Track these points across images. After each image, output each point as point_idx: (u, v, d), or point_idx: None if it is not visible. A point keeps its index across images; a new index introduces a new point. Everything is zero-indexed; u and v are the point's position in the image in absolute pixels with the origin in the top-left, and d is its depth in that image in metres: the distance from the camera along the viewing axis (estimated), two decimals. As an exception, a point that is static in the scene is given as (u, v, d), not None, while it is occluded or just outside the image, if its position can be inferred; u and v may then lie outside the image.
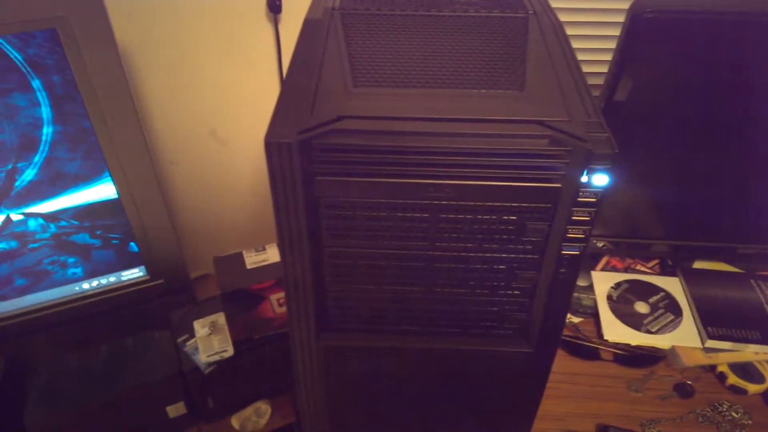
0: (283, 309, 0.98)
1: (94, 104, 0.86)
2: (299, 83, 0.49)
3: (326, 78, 0.50)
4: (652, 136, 0.91)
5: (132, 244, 1.00)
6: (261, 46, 1.05)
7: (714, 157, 0.92)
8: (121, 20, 0.97)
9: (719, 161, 0.93)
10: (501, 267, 0.52)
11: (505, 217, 0.49)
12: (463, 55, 0.53)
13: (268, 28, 1.03)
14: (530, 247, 0.51)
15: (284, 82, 0.50)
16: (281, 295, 0.97)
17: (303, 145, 0.44)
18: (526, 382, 0.59)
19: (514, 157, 0.46)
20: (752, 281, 1.04)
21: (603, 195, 0.47)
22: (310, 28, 0.56)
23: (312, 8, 0.61)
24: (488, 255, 0.51)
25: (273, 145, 0.44)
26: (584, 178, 0.47)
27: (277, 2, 0.99)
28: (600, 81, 0.98)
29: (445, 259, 0.51)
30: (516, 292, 0.54)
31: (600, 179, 0.47)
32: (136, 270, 1.03)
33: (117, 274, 1.02)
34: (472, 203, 0.48)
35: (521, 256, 0.52)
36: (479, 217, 0.49)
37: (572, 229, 0.49)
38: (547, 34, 0.57)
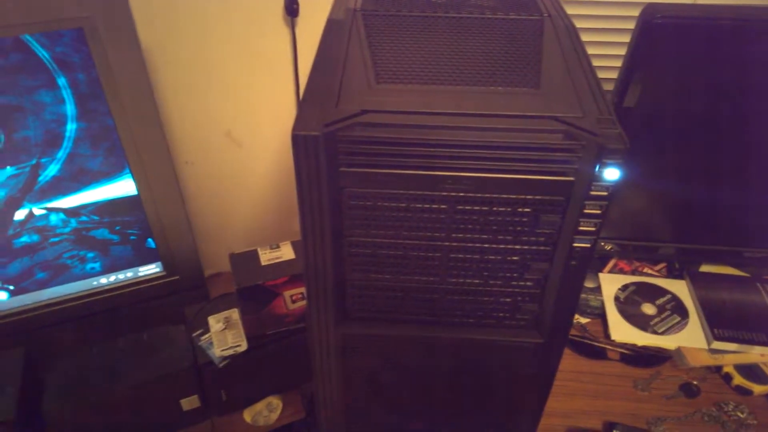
0: (297, 305, 1.00)
1: (117, 103, 0.88)
2: (324, 80, 0.51)
3: (349, 75, 0.52)
4: (661, 140, 0.93)
5: (149, 240, 1.02)
6: (278, 49, 1.08)
7: (721, 161, 0.94)
8: (144, 21, 0.99)
9: (726, 165, 0.95)
10: (514, 258, 0.54)
11: (520, 209, 0.51)
12: (481, 55, 0.55)
13: (285, 32, 1.06)
14: (543, 239, 0.53)
15: (309, 79, 0.52)
16: (295, 291, 0.99)
17: (328, 137, 0.46)
18: (536, 372, 0.61)
19: (530, 150, 0.48)
20: (759, 285, 1.06)
21: (614, 189, 0.49)
22: (333, 28, 0.58)
23: (334, 9, 0.64)
24: (502, 246, 0.53)
25: (300, 138, 0.46)
26: (596, 172, 0.49)
27: (295, 6, 1.01)
28: (609, 87, 1.00)
29: (461, 250, 0.53)
30: (528, 283, 0.56)
31: (611, 173, 0.49)
32: (152, 266, 1.06)
33: (134, 269, 1.05)
34: (489, 195, 0.50)
35: (534, 247, 0.53)
36: (495, 209, 0.51)
37: (584, 222, 0.51)
38: (561, 36, 0.59)
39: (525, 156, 0.48)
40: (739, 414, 0.89)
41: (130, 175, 0.95)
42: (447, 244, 0.53)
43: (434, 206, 0.51)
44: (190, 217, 1.25)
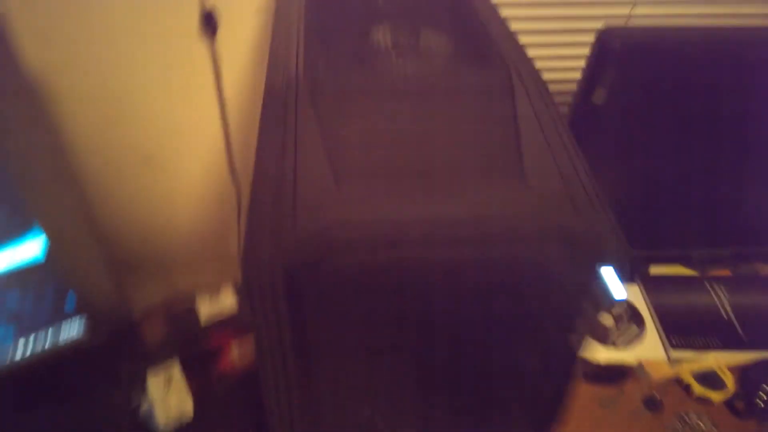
0: (244, 357, 0.92)
1: (11, 151, 0.75)
2: (273, 185, 0.43)
3: (304, 176, 0.44)
4: (612, 155, 0.90)
5: (68, 298, 0.91)
6: (196, 67, 0.96)
7: (674, 172, 0.92)
8: (39, 47, 0.85)
9: (675, 176, 0.94)
10: (507, 363, 0.49)
11: (511, 315, 0.45)
12: (452, 135, 0.48)
13: (203, 49, 0.94)
14: (536, 341, 0.48)
15: (255, 183, 0.44)
16: (241, 343, 0.91)
17: (288, 274, 0.38)
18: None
19: (522, 263, 0.42)
20: (707, 284, 1.07)
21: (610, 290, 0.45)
22: (273, 105, 0.49)
23: (270, 70, 0.54)
24: (494, 351, 0.48)
25: (253, 277, 0.38)
26: (592, 275, 0.44)
27: (212, 22, 0.89)
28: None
29: (445, 368, 0.47)
30: (521, 382, 0.51)
31: (607, 275, 0.44)
32: (75, 325, 0.94)
33: (54, 331, 0.93)
34: (476, 310, 0.44)
35: (526, 351, 0.48)
36: (483, 319, 0.45)
37: (578, 321, 0.46)
38: (532, 95, 0.52)
39: (519, 270, 0.42)
40: (701, 424, 0.90)
41: (38, 233, 0.83)
42: (429, 362, 0.47)
43: (412, 332, 0.44)
44: (117, 250, 1.14)
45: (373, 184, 0.44)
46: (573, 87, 1.05)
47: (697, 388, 0.93)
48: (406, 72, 0.56)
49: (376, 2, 0.68)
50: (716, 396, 0.93)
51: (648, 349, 0.98)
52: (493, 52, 0.57)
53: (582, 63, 1.05)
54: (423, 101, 0.51)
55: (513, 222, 0.41)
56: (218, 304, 0.93)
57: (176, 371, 0.93)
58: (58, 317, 0.92)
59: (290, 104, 0.49)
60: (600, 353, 0.97)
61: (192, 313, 0.92)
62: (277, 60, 0.56)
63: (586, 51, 1.04)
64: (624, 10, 1.00)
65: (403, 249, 0.39)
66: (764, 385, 0.93)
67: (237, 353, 0.92)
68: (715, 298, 1.04)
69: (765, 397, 0.92)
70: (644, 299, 1.05)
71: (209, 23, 0.88)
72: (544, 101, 0.52)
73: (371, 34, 0.61)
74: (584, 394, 0.95)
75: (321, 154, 0.45)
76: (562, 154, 0.47)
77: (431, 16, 0.66)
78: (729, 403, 0.93)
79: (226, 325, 0.93)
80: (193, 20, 0.90)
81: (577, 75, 1.05)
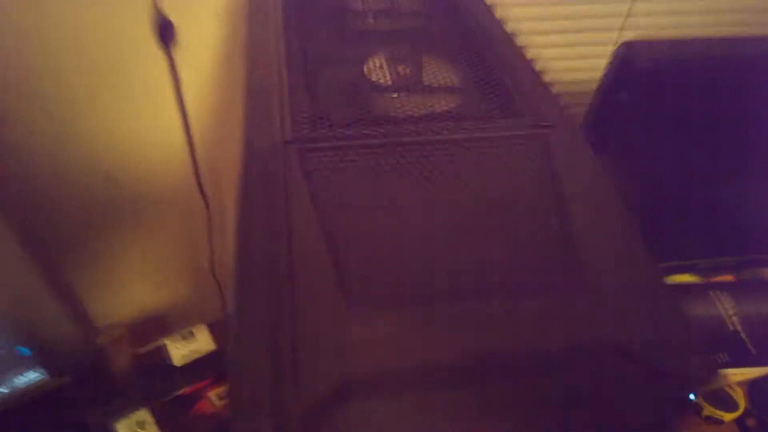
0: (225, 401, 0.84)
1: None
2: (265, 308, 0.34)
3: (304, 298, 0.34)
4: (617, 168, 0.82)
5: (21, 348, 0.81)
6: (154, 78, 0.84)
7: (678, 185, 0.86)
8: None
9: (682, 186, 0.87)
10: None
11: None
12: (483, 221, 0.39)
13: (161, 59, 0.82)
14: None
15: (237, 308, 0.34)
16: (221, 389, 0.83)
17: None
18: None
19: (600, 386, 0.34)
20: (711, 293, 1.01)
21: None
22: (257, 180, 0.39)
23: (250, 130, 0.44)
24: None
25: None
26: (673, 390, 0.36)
27: (168, 31, 0.77)
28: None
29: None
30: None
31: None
32: (33, 373, 0.84)
33: (8, 382, 0.83)
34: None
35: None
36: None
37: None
38: (572, 154, 0.44)
39: (598, 392, 0.34)
40: (712, 447, 0.87)
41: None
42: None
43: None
44: (79, 276, 1.03)
45: (393, 304, 0.35)
46: (574, 88, 0.98)
47: (707, 408, 0.89)
48: (411, 117, 0.46)
49: (366, 21, 0.58)
50: (728, 416, 0.89)
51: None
52: (515, 91, 0.48)
53: (582, 62, 0.98)
54: (437, 163, 0.42)
55: (588, 348, 0.33)
56: (193, 342, 0.84)
57: (147, 416, 0.84)
58: (11, 372, 0.83)
59: (279, 184, 0.39)
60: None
61: (163, 354, 0.83)
62: (256, 110, 0.46)
63: (586, 50, 0.96)
64: (624, 6, 0.92)
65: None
66: (775, 401, 0.90)
67: (215, 395, 0.83)
68: (721, 309, 0.99)
69: (777, 416, 0.88)
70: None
71: (165, 32, 0.76)
72: (585, 156, 0.44)
73: (365, 66, 0.51)
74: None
75: (326, 261, 0.36)
76: (620, 243, 0.39)
77: (432, 38, 0.56)
78: (740, 421, 0.89)
79: (201, 365, 0.84)
80: (148, 30, 0.78)
81: (580, 76, 0.98)
